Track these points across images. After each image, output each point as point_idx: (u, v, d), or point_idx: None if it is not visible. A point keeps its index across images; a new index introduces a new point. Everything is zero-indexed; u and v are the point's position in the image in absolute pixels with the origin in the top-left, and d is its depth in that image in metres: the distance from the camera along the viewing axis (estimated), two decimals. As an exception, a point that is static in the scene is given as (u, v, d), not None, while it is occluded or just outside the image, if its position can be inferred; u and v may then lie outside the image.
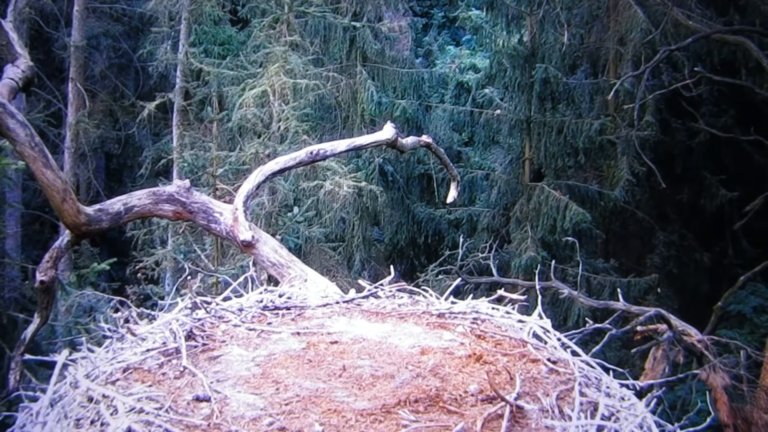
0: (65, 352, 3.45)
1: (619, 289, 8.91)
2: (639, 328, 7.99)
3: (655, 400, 3.35)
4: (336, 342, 3.60)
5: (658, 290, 13.41)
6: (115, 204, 5.19)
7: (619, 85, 12.83)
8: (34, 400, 3.33)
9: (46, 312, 5.34)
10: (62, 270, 12.04)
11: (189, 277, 5.26)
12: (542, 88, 14.39)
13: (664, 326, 7.92)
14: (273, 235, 6.23)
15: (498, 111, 14.98)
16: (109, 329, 3.79)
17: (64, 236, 5.24)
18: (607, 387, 3.38)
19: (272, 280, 5.13)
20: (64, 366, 3.37)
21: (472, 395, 3.10)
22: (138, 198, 5.23)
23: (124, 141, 16.76)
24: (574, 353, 3.63)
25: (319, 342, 3.60)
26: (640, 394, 3.48)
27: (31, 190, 14.95)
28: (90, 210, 5.07)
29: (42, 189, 4.99)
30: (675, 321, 7.90)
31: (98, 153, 17.08)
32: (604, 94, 14.32)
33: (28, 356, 4.99)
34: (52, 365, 3.39)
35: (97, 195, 15.52)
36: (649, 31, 13.11)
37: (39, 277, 5.13)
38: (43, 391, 3.30)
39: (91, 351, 3.59)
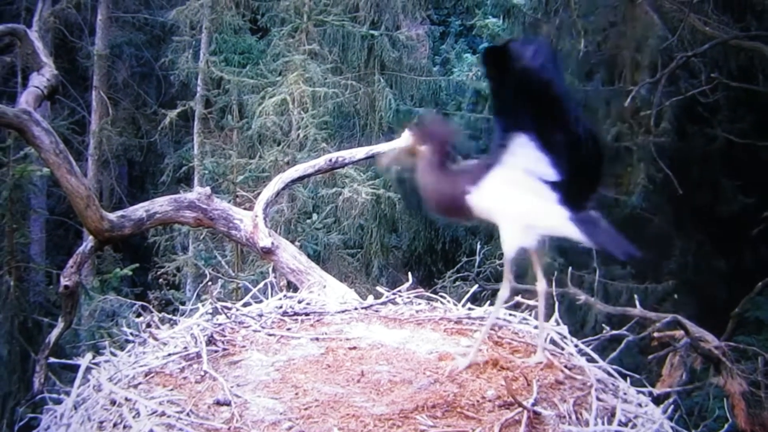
0: (89, 355, 3.48)
1: (636, 296, 8.83)
2: (656, 334, 7.91)
3: (672, 406, 3.33)
4: (354, 348, 3.61)
5: (675, 296, 13.28)
6: (138, 210, 5.24)
7: (635, 92, 12.74)
8: (58, 402, 3.37)
9: (70, 316, 5.39)
10: (85, 275, 12.14)
11: (210, 283, 5.29)
12: (559, 95, 14.32)
13: (681, 332, 7.84)
14: (292, 242, 6.25)
15: (515, 118, 14.92)
16: (131, 333, 3.83)
17: (88, 242, 5.29)
18: (624, 393, 3.36)
19: (291, 287, 5.15)
20: (88, 369, 3.41)
21: (490, 401, 3.10)
22: (160, 205, 5.28)
23: (147, 148, 16.87)
24: (591, 359, 3.62)
25: (338, 347, 3.61)
26: (657, 400, 3.46)
27: (56, 196, 15.07)
28: (113, 216, 5.13)
29: (66, 195, 5.06)
30: (692, 327, 7.82)
31: (121, 160, 17.20)
32: (620, 101, 14.23)
33: (52, 359, 5.04)
34: (75, 368, 3.42)
35: (120, 201, 15.61)
36: (665, 37, 13.01)
37: (63, 282, 5.18)
38: (67, 393, 3.33)
39: (114, 355, 3.62)
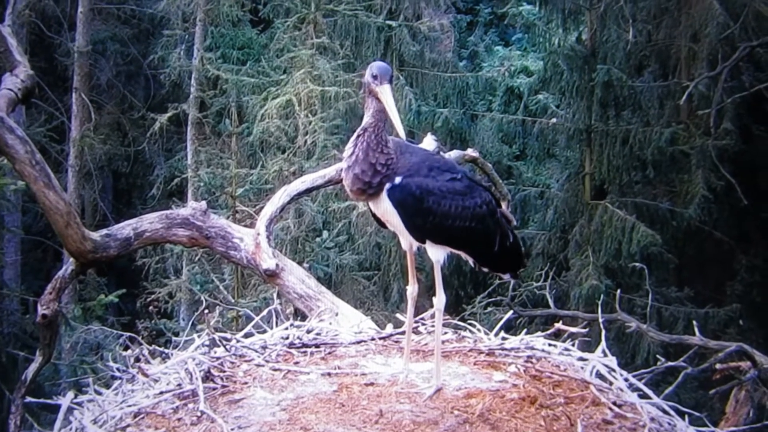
0: (70, 394, 3.52)
1: (694, 322, 8.79)
2: (718, 366, 7.87)
3: (738, 449, 3.31)
4: (371, 384, 3.62)
5: (740, 322, 13.19)
6: (124, 229, 5.30)
7: (692, 87, 12.71)
8: (37, 448, 3.40)
9: (49, 349, 5.44)
10: (66, 302, 12.25)
11: (206, 311, 5.33)
12: (604, 92, 14.32)
13: (747, 363, 7.80)
14: (300, 263, 6.29)
15: (553, 120, 14.93)
16: (118, 369, 3.86)
17: (68, 265, 5.35)
18: (683, 434, 3.35)
19: (299, 314, 5.17)
20: (69, 410, 3.45)
21: (527, 444, 3.09)
22: (149, 222, 5.34)
23: (134, 158, 17.00)
24: (644, 395, 3.61)
25: (353, 384, 3.62)
26: (720, 442, 3.44)
27: (32, 213, 15.24)
28: (96, 236, 5.18)
29: (44, 212, 5.12)
30: (760, 357, 7.77)
31: (105, 171, 17.36)
32: (675, 99, 14.20)
33: (29, 399, 5.09)
34: (56, 409, 3.46)
35: (104, 219, 15.76)
36: (726, 25, 12.99)
37: (41, 310, 5.23)
38: (47, 438, 3.36)
39: (99, 393, 3.66)
